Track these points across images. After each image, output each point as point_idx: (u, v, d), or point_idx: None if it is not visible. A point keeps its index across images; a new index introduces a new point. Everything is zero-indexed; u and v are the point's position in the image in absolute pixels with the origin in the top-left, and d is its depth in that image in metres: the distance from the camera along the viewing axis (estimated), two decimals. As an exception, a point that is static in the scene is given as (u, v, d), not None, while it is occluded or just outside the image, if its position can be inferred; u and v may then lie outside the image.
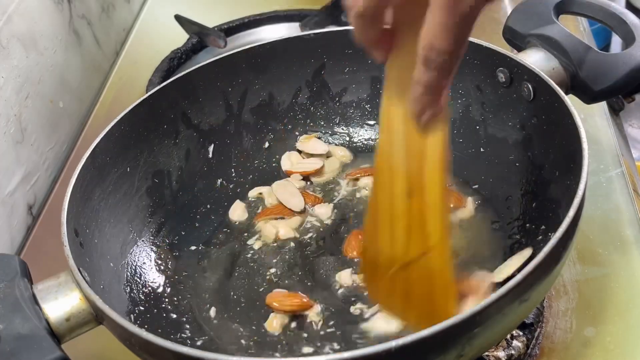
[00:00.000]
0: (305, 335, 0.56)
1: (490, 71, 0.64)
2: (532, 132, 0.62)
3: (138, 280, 0.61)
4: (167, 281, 0.62)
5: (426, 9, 0.40)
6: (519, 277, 0.44)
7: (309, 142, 0.72)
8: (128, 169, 0.64)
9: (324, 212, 0.66)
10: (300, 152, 0.73)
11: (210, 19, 0.99)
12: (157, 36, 1.06)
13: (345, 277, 0.60)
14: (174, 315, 0.59)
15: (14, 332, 0.47)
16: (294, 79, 0.72)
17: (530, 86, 0.60)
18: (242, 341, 0.57)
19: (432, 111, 0.45)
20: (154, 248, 0.64)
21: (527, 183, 0.61)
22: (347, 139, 0.74)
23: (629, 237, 0.65)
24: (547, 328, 0.59)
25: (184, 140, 0.69)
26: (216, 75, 0.70)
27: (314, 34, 0.71)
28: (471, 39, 0.63)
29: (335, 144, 0.73)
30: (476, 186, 0.66)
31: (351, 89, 0.73)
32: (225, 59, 0.70)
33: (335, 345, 0.55)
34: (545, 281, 0.47)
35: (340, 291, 0.59)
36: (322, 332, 0.56)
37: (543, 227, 0.57)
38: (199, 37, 0.96)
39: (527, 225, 0.59)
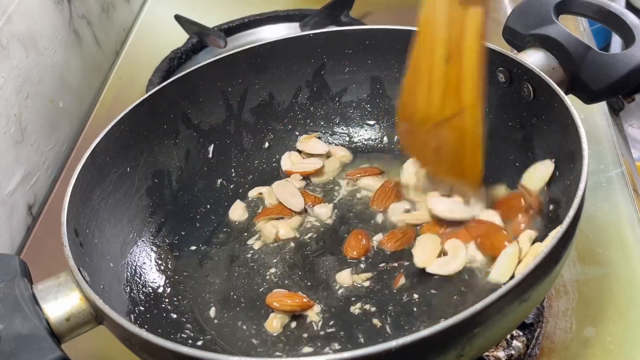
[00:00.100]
0: (305, 335, 0.56)
1: (490, 71, 0.64)
2: (532, 132, 0.62)
3: (138, 280, 0.61)
4: (167, 281, 0.62)
5: None
6: (519, 277, 0.44)
7: (309, 142, 0.72)
8: (128, 169, 0.64)
9: (324, 212, 0.66)
10: (300, 152, 0.73)
11: (210, 19, 0.99)
12: (157, 36, 1.06)
13: (345, 277, 0.60)
14: (174, 315, 0.59)
15: (14, 332, 0.47)
16: (294, 79, 0.72)
17: (530, 86, 0.60)
18: (242, 341, 0.57)
19: None
20: (154, 248, 0.64)
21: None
22: (347, 139, 0.74)
23: (629, 237, 0.65)
24: (547, 328, 0.59)
25: (184, 140, 0.69)
26: (216, 75, 0.70)
27: (314, 34, 0.71)
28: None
29: (335, 144, 0.73)
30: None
31: (351, 89, 0.73)
32: (225, 59, 0.70)
33: (336, 345, 0.55)
34: (545, 281, 0.47)
35: (340, 291, 0.59)
36: (322, 332, 0.56)
37: (543, 227, 0.57)
38: (199, 37, 0.96)
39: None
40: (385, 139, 0.73)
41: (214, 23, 0.98)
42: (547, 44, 0.63)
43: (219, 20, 0.99)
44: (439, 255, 0.59)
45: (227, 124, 0.71)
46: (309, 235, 0.65)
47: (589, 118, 0.77)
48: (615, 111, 0.81)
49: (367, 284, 0.59)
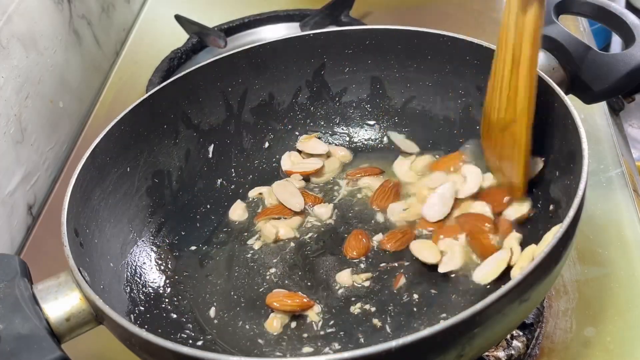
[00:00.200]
0: (305, 335, 0.56)
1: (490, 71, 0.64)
2: (532, 132, 0.61)
3: (138, 280, 0.61)
4: (167, 281, 0.62)
5: None
6: (519, 277, 0.44)
7: (309, 142, 0.72)
8: (128, 169, 0.64)
9: (324, 212, 0.66)
10: (300, 152, 0.73)
11: (210, 19, 0.99)
12: (157, 36, 1.06)
13: (345, 277, 0.60)
14: (174, 315, 0.59)
15: (14, 332, 0.47)
16: (294, 79, 0.72)
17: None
18: (242, 341, 0.57)
19: None
20: (154, 248, 0.64)
21: (527, 183, 0.61)
22: (347, 139, 0.74)
23: (629, 237, 0.65)
24: (547, 328, 0.59)
25: (184, 140, 0.69)
26: (216, 75, 0.70)
27: (314, 34, 0.71)
28: (471, 39, 0.64)
29: (335, 144, 0.73)
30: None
31: (351, 89, 0.73)
32: (225, 59, 0.70)
33: (336, 345, 0.55)
34: (545, 281, 0.47)
35: (340, 291, 0.59)
36: (322, 332, 0.56)
37: (543, 227, 0.57)
38: (199, 37, 0.96)
39: (527, 225, 0.59)
40: (385, 139, 0.73)
41: (214, 23, 0.98)
42: (547, 44, 0.63)
43: (219, 20, 0.99)
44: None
45: (227, 124, 0.71)
46: (309, 235, 0.65)
47: (589, 118, 0.77)
48: (615, 111, 0.81)
49: (367, 284, 0.59)
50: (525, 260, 0.55)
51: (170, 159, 0.68)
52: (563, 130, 0.56)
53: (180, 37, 0.98)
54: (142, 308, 0.58)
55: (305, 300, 0.58)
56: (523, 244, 0.57)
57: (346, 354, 0.41)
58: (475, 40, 0.64)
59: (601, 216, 0.67)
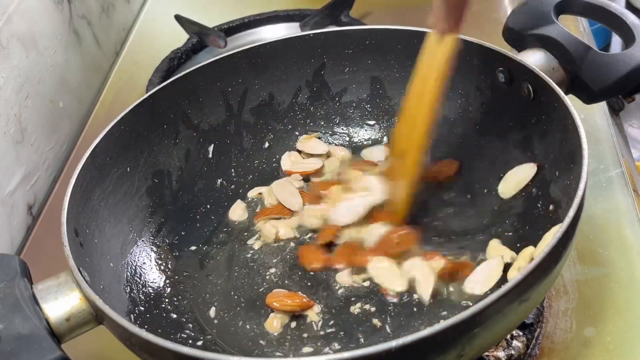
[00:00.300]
0: (305, 335, 0.56)
1: (490, 71, 0.64)
2: (532, 132, 0.62)
3: (138, 280, 0.61)
4: (167, 281, 0.62)
5: None
6: (519, 277, 0.44)
7: (309, 142, 0.72)
8: (128, 169, 0.64)
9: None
10: (300, 152, 0.73)
11: (210, 19, 0.99)
12: (157, 36, 1.06)
13: (345, 277, 0.60)
14: (174, 315, 0.59)
15: (14, 332, 0.47)
16: (294, 79, 0.72)
17: (530, 86, 0.60)
18: (243, 341, 0.57)
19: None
20: (154, 248, 0.64)
21: (529, 181, 0.61)
22: (347, 139, 0.74)
23: (629, 237, 0.65)
24: (547, 328, 0.59)
25: (184, 140, 0.69)
26: (216, 75, 0.70)
27: (314, 34, 0.71)
28: (471, 39, 0.64)
29: (335, 144, 0.73)
30: (477, 186, 0.65)
31: (351, 89, 0.73)
32: (225, 59, 0.70)
33: (336, 345, 0.55)
34: (545, 281, 0.47)
35: (340, 291, 0.59)
36: (322, 332, 0.56)
37: (543, 227, 0.57)
38: (199, 37, 0.96)
39: (527, 225, 0.59)
40: (385, 139, 0.73)
41: (214, 23, 0.98)
42: (547, 44, 0.63)
43: (219, 20, 0.99)
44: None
45: (227, 124, 0.71)
46: (309, 235, 0.65)
47: (589, 118, 0.77)
48: (615, 111, 0.81)
49: (367, 284, 0.59)
50: (523, 261, 0.55)
51: (170, 159, 0.68)
52: (563, 130, 0.56)
53: (180, 37, 0.98)
54: (142, 308, 0.58)
55: (305, 300, 0.58)
56: (521, 244, 0.57)
57: (346, 354, 0.41)
58: (475, 40, 0.64)
59: (601, 216, 0.67)
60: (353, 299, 0.58)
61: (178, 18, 0.99)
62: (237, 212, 0.68)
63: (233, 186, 0.71)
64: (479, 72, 0.65)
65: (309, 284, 0.61)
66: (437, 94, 0.58)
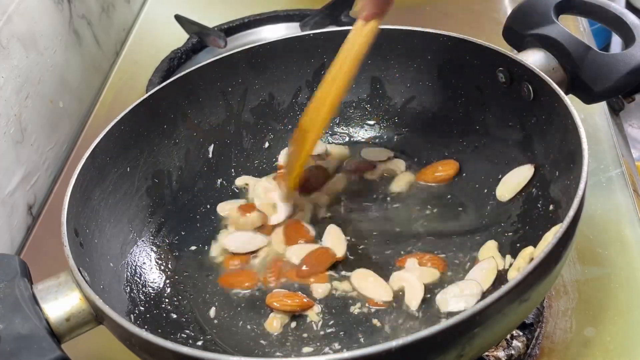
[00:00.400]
0: (305, 335, 0.56)
1: (490, 71, 0.64)
2: (532, 132, 0.62)
3: (138, 280, 0.61)
4: (167, 281, 0.62)
5: None
6: (519, 277, 0.44)
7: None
8: (128, 169, 0.64)
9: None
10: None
11: (210, 19, 0.99)
12: (157, 36, 1.06)
13: (321, 289, 0.60)
14: (174, 316, 0.59)
15: (14, 332, 0.47)
16: (294, 79, 0.72)
17: (530, 86, 0.60)
18: (242, 341, 0.57)
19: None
20: (154, 248, 0.64)
21: (527, 182, 0.61)
22: (347, 139, 0.74)
23: (629, 237, 0.65)
24: (547, 328, 0.59)
25: (184, 140, 0.69)
26: (216, 75, 0.70)
27: (314, 34, 0.71)
28: (471, 38, 0.64)
29: (335, 144, 0.73)
30: (477, 186, 0.65)
31: (351, 89, 0.73)
32: (225, 59, 0.70)
33: (336, 345, 0.55)
34: (545, 281, 0.47)
35: (340, 291, 0.59)
36: (322, 332, 0.56)
37: (543, 227, 0.57)
38: (199, 37, 0.96)
39: (527, 225, 0.59)
40: (385, 139, 0.73)
41: (214, 23, 0.98)
42: (547, 44, 0.63)
43: (219, 20, 0.99)
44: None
45: (227, 124, 0.71)
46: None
47: (589, 118, 0.77)
48: (615, 111, 0.81)
49: (355, 293, 0.59)
50: (522, 261, 0.55)
51: (170, 159, 0.68)
52: (563, 130, 0.56)
53: (180, 37, 0.98)
54: (142, 308, 0.58)
55: (305, 300, 0.58)
56: (521, 244, 0.57)
57: (346, 354, 0.41)
58: (475, 40, 0.64)
59: (601, 216, 0.67)
60: (352, 300, 0.58)
61: (178, 18, 0.99)
62: (225, 207, 0.69)
63: (233, 186, 0.71)
64: (479, 72, 0.65)
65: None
66: (348, 77, 0.60)
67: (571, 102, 0.56)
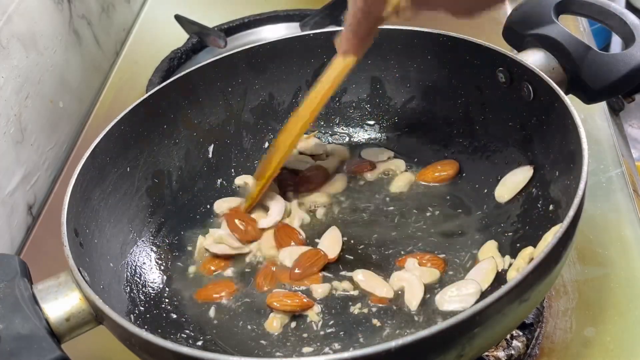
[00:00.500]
0: (305, 335, 0.56)
1: (490, 71, 0.64)
2: (532, 132, 0.62)
3: (138, 280, 0.61)
4: (167, 281, 0.62)
5: None
6: (519, 277, 0.44)
7: (309, 143, 0.72)
8: (128, 169, 0.64)
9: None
10: (300, 153, 0.73)
11: (210, 19, 0.99)
12: (157, 36, 1.06)
13: (321, 290, 0.59)
14: (174, 316, 0.59)
15: (14, 332, 0.47)
16: (294, 79, 0.72)
17: (530, 86, 0.60)
18: (242, 341, 0.57)
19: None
20: (154, 248, 0.64)
21: (528, 182, 0.61)
22: (347, 139, 0.74)
23: (629, 237, 0.65)
24: (547, 328, 0.59)
25: (184, 140, 0.69)
26: (216, 75, 0.70)
27: (314, 34, 0.71)
28: (471, 39, 0.64)
29: (335, 144, 0.73)
30: (477, 186, 0.65)
31: (351, 89, 0.73)
32: (225, 59, 0.70)
33: (336, 345, 0.55)
34: (545, 281, 0.47)
35: (340, 291, 0.59)
36: (322, 332, 0.56)
37: (543, 227, 0.57)
38: (199, 37, 0.96)
39: (527, 225, 0.59)
40: (385, 139, 0.73)
41: (214, 23, 0.98)
42: (547, 44, 0.63)
43: (219, 20, 0.99)
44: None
45: (227, 124, 0.71)
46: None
47: (589, 118, 0.77)
48: (615, 111, 0.81)
49: (356, 292, 0.59)
50: (522, 261, 0.55)
51: (170, 159, 0.68)
52: (563, 130, 0.56)
53: (180, 37, 0.98)
54: (142, 308, 0.58)
55: (305, 300, 0.58)
56: (521, 244, 0.57)
57: (346, 354, 0.41)
58: (475, 40, 0.64)
59: (601, 216, 0.67)
60: (352, 300, 0.58)
61: (178, 18, 0.99)
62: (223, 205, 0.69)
63: (233, 186, 0.71)
64: (479, 72, 0.65)
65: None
66: (320, 105, 0.63)
67: (571, 102, 0.56)
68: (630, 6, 1.62)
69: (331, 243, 0.62)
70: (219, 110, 0.71)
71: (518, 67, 0.61)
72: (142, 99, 0.65)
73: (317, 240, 0.64)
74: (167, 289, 0.62)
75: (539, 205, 0.59)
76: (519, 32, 0.66)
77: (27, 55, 0.80)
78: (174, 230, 0.66)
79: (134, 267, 0.61)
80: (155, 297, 0.60)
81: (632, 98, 0.76)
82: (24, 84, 0.79)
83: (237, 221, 0.65)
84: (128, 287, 0.59)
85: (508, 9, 0.96)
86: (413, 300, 0.57)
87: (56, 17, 0.88)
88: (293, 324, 0.57)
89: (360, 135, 0.73)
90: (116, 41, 1.05)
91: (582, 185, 0.49)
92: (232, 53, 0.70)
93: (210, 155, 0.71)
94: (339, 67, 0.61)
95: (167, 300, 0.60)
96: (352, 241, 0.63)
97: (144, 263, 0.62)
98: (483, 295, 0.55)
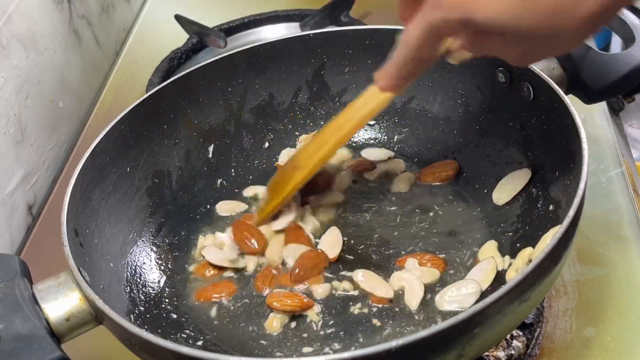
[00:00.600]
0: (305, 335, 0.56)
1: (490, 71, 0.64)
2: (532, 132, 0.62)
3: (138, 280, 0.61)
4: (167, 281, 0.62)
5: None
6: (519, 277, 0.44)
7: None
8: (128, 169, 0.64)
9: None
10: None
11: (210, 19, 0.99)
12: (157, 36, 1.06)
13: (321, 290, 0.60)
14: (174, 316, 0.59)
15: (14, 332, 0.47)
16: (294, 79, 0.72)
17: (530, 86, 0.60)
18: (243, 341, 0.57)
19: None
20: (154, 248, 0.64)
21: (527, 183, 0.61)
22: (347, 139, 0.73)
23: (629, 237, 0.65)
24: (547, 328, 0.59)
25: (184, 140, 0.69)
26: (216, 75, 0.70)
27: (314, 34, 0.71)
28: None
29: (335, 144, 0.73)
30: (477, 185, 0.65)
31: (351, 89, 0.73)
32: (225, 59, 0.70)
33: (336, 345, 0.55)
34: (545, 281, 0.47)
35: (340, 291, 0.59)
36: (322, 332, 0.56)
37: (542, 227, 0.57)
38: (199, 37, 0.96)
39: (527, 225, 0.59)
40: (385, 139, 0.73)
41: (214, 23, 0.98)
42: (547, 44, 0.63)
43: (219, 20, 0.99)
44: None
45: (227, 124, 0.71)
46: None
47: (589, 118, 0.77)
48: (615, 111, 0.81)
49: (356, 292, 0.59)
50: (521, 262, 0.55)
51: (170, 159, 0.68)
52: (563, 130, 0.56)
53: (180, 37, 0.98)
54: (142, 308, 0.58)
55: (305, 300, 0.58)
56: (521, 244, 0.57)
57: (346, 354, 0.41)
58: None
59: (601, 216, 0.67)
60: (352, 300, 0.58)
61: (178, 18, 0.99)
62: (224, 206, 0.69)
63: (233, 186, 0.71)
64: (479, 72, 0.65)
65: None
66: (353, 133, 0.60)
67: (571, 102, 0.56)
68: (630, 6, 1.62)
69: (331, 243, 0.62)
70: (219, 110, 0.71)
71: (518, 67, 0.61)
72: (142, 99, 0.65)
73: (317, 240, 0.63)
74: (167, 289, 0.62)
75: (539, 205, 0.59)
76: (519, 32, 0.66)
77: (27, 55, 0.80)
78: (174, 230, 0.66)
79: (134, 267, 0.61)
80: (155, 297, 0.60)
81: (632, 98, 0.76)
82: (24, 84, 0.79)
83: (245, 233, 0.63)
84: (128, 287, 0.59)
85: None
86: (413, 300, 0.57)
87: (56, 17, 0.88)
88: (293, 324, 0.57)
89: (360, 135, 0.73)
90: (116, 41, 1.05)
91: (582, 185, 0.49)
92: (232, 53, 0.70)
93: (210, 155, 0.71)
94: (375, 101, 0.57)
95: (167, 300, 0.60)
96: (352, 241, 0.63)
97: (144, 263, 0.62)
98: (483, 295, 0.55)
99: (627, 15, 0.64)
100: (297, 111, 0.73)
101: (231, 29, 0.98)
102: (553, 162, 0.59)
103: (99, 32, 0.99)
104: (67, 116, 0.89)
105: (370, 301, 0.58)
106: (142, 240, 0.64)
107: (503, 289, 0.43)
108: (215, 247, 0.63)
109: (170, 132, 0.68)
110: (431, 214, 0.65)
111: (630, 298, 0.60)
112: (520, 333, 0.58)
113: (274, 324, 0.57)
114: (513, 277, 0.45)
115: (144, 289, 0.60)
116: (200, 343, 0.57)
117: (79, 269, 0.50)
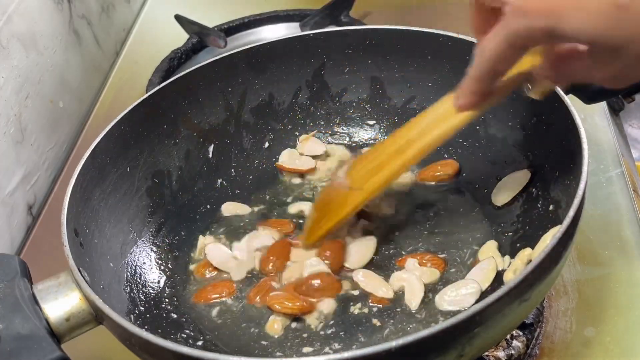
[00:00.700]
0: (305, 335, 0.56)
1: (490, 71, 0.64)
2: (532, 132, 0.62)
3: (138, 280, 0.61)
4: (167, 281, 0.62)
5: None
6: (519, 277, 0.44)
7: (308, 143, 0.72)
8: (128, 169, 0.64)
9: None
10: (300, 154, 0.73)
11: (210, 19, 0.99)
12: (157, 36, 1.06)
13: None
14: (174, 316, 0.59)
15: (14, 332, 0.47)
16: (294, 79, 0.72)
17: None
18: (243, 341, 0.57)
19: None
20: (154, 248, 0.64)
21: (527, 183, 0.61)
22: (347, 139, 0.74)
23: (629, 237, 0.65)
24: (547, 328, 0.59)
25: (184, 140, 0.69)
26: (216, 75, 0.70)
27: (314, 34, 0.71)
28: (471, 39, 0.64)
29: (335, 144, 0.73)
30: (477, 185, 0.65)
31: (351, 89, 0.73)
32: (225, 59, 0.70)
33: (335, 345, 0.55)
34: (545, 281, 0.47)
35: (340, 291, 0.59)
36: (322, 332, 0.56)
37: (542, 227, 0.57)
38: (199, 37, 0.96)
39: (527, 225, 0.59)
40: (385, 139, 0.73)
41: (214, 23, 0.98)
42: (547, 44, 0.63)
43: (219, 20, 0.99)
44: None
45: (227, 124, 0.71)
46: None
47: (589, 118, 0.77)
48: (615, 111, 0.81)
49: (357, 292, 0.59)
50: (520, 262, 0.55)
51: (170, 159, 0.68)
52: (563, 130, 0.56)
53: (180, 37, 0.98)
54: (142, 308, 0.58)
55: (305, 304, 0.58)
56: (521, 244, 0.57)
57: (346, 354, 0.41)
58: (475, 40, 0.64)
59: (601, 216, 0.67)
60: (353, 299, 0.58)
61: (178, 18, 0.99)
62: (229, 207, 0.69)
63: (233, 186, 0.71)
64: (479, 72, 0.65)
65: (309, 284, 0.61)
66: (418, 158, 0.56)
67: (571, 102, 0.56)
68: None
69: (359, 257, 0.61)
70: (219, 110, 0.71)
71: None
72: (142, 99, 0.65)
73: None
74: (167, 289, 0.62)
75: (539, 205, 0.59)
76: (519, 32, 0.66)
77: (27, 55, 0.80)
78: (174, 230, 0.66)
79: (134, 267, 0.61)
80: (155, 297, 0.60)
81: (632, 98, 0.76)
82: (24, 84, 0.79)
83: (270, 266, 0.61)
84: (128, 287, 0.59)
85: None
86: (413, 300, 0.57)
87: (56, 17, 0.88)
88: (294, 324, 0.57)
89: (360, 135, 0.73)
90: (116, 41, 1.05)
91: (582, 185, 0.49)
92: (232, 53, 0.70)
93: (210, 155, 0.71)
94: (451, 120, 0.53)
95: (167, 300, 0.60)
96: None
97: (144, 263, 0.62)
98: (483, 295, 0.55)
99: (627, 15, 0.64)
100: (297, 111, 0.73)
101: (231, 29, 0.98)
102: (553, 162, 0.59)
103: (99, 32, 0.99)
104: (67, 116, 0.89)
105: (370, 301, 0.58)
106: (142, 240, 0.64)
107: (503, 289, 0.43)
108: (219, 249, 0.63)
109: (170, 132, 0.68)
110: (431, 213, 0.65)
111: (630, 298, 0.60)
112: (520, 333, 0.58)
113: (275, 326, 0.57)
114: (511, 278, 0.45)
115: (144, 289, 0.60)
116: (200, 343, 0.57)
117: (79, 269, 0.50)
